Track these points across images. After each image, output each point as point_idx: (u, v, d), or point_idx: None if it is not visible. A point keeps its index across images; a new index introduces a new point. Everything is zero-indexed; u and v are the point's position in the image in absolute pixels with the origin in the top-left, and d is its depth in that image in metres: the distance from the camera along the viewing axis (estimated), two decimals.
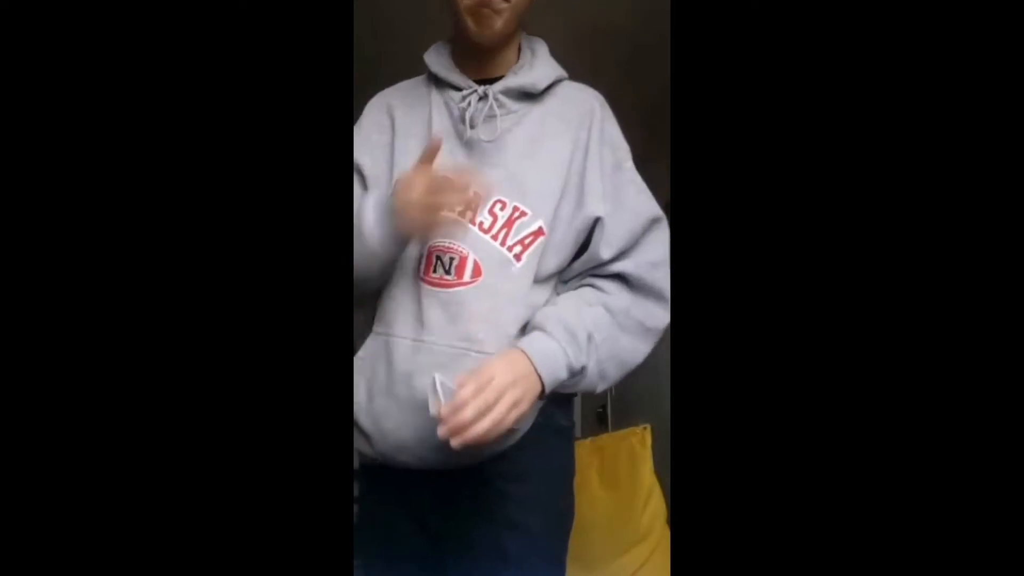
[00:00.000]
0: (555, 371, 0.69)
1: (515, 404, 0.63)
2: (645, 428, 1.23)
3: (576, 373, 0.71)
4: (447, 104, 0.78)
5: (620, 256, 0.77)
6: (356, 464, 0.75)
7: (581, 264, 0.77)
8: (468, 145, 0.76)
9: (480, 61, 0.78)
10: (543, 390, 0.68)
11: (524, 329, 0.74)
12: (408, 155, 0.74)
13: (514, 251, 0.74)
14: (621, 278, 0.78)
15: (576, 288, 0.78)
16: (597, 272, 0.77)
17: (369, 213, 0.68)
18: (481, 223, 0.74)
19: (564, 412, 0.80)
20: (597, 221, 0.75)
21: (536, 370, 0.67)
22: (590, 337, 0.72)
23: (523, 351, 0.68)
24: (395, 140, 0.77)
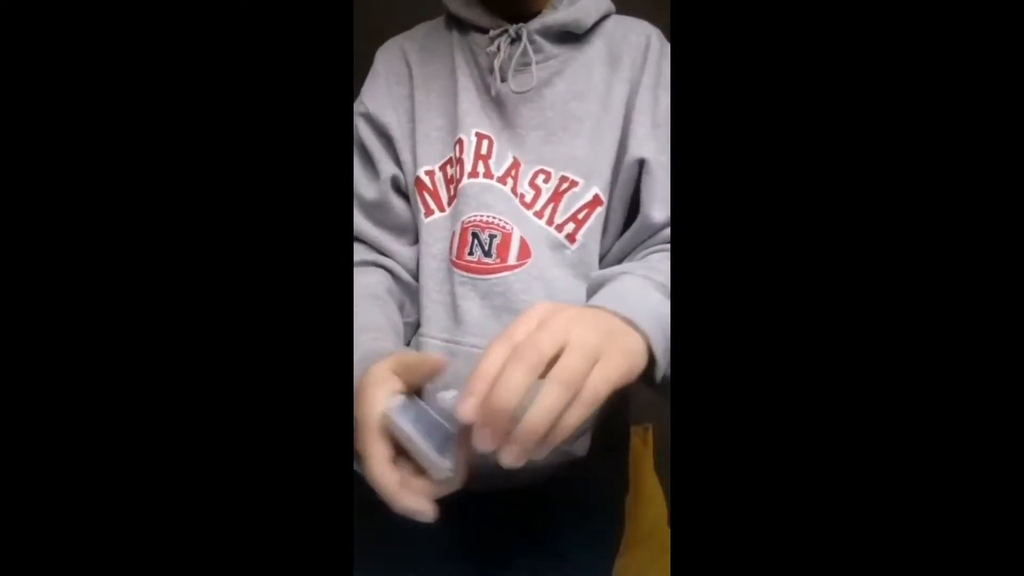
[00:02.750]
0: (653, 306, 0.43)
1: (607, 369, 0.36)
2: (647, 428, 1.22)
3: None
4: (472, 50, 0.61)
5: None
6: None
7: (633, 234, 0.57)
8: (498, 101, 0.59)
9: None
10: (651, 351, 0.41)
11: None
12: (432, 112, 0.61)
13: (566, 230, 0.57)
14: None
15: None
16: (658, 242, 0.56)
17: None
18: (522, 195, 0.57)
19: (619, 419, 0.65)
20: (643, 165, 0.56)
21: (631, 320, 0.41)
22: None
23: (599, 307, 0.42)
24: (415, 93, 0.62)
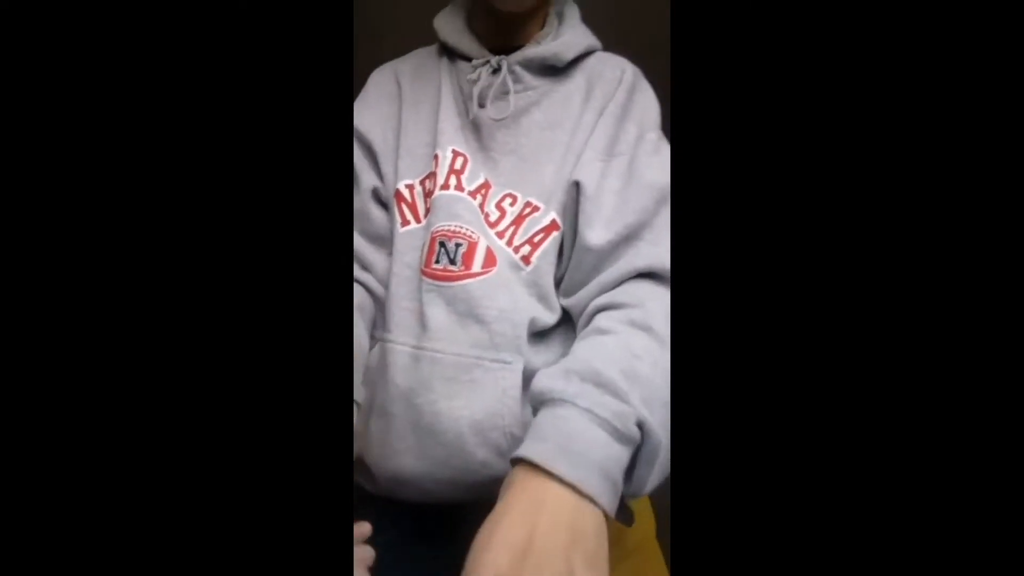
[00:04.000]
0: (599, 458, 0.40)
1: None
2: None
3: (637, 441, 0.41)
4: (458, 76, 0.64)
5: (630, 239, 0.53)
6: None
7: (575, 259, 0.57)
8: (475, 126, 0.62)
9: (499, 27, 0.63)
10: (601, 504, 0.39)
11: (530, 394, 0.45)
12: (417, 129, 0.63)
13: (521, 252, 0.58)
14: (650, 276, 0.52)
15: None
16: (602, 279, 0.55)
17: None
18: (487, 215, 0.59)
19: None
20: (578, 187, 0.56)
21: (568, 483, 0.38)
22: (629, 373, 0.43)
23: (531, 462, 0.39)
24: (402, 111, 0.64)
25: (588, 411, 0.41)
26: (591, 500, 0.39)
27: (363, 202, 0.65)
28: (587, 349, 0.48)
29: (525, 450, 0.41)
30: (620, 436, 0.41)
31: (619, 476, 0.41)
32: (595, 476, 0.39)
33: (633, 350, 0.46)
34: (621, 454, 0.41)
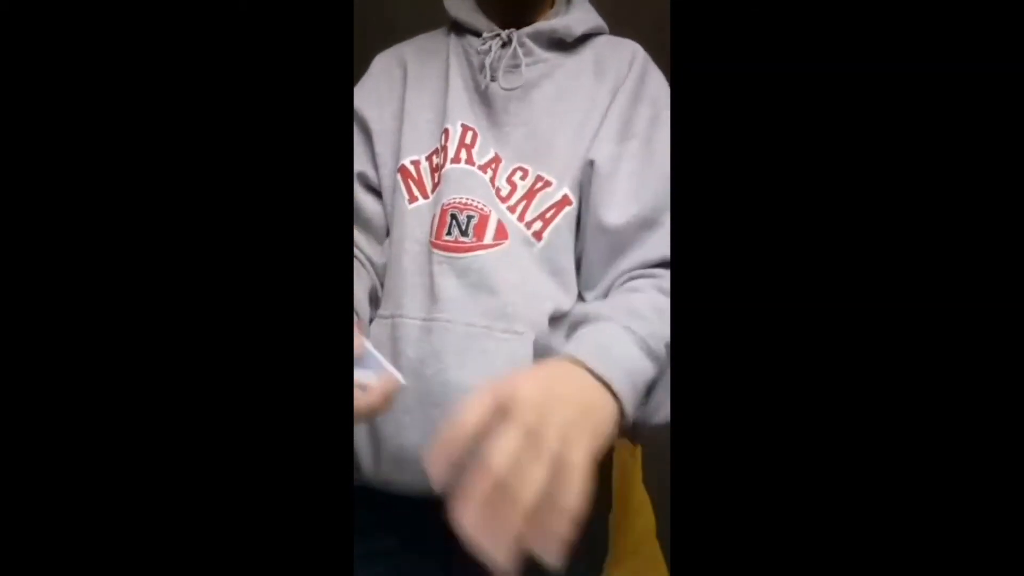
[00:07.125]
0: (630, 366, 0.44)
1: (574, 441, 0.36)
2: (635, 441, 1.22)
3: (664, 361, 0.47)
4: (466, 51, 0.64)
5: (648, 224, 0.54)
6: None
7: (589, 237, 0.58)
8: (486, 98, 0.62)
9: (508, 5, 0.64)
10: (621, 406, 0.42)
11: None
12: (422, 105, 0.63)
13: (533, 228, 0.58)
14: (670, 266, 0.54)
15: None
16: (629, 257, 0.56)
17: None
18: (499, 190, 0.59)
19: None
20: (592, 165, 0.57)
21: (598, 376, 0.42)
22: (660, 310, 0.48)
23: (569, 357, 0.44)
24: (406, 92, 0.64)
25: (625, 328, 0.46)
26: (614, 397, 0.42)
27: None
28: (618, 296, 0.53)
29: (569, 348, 0.45)
30: (650, 352, 0.46)
31: (642, 388, 0.45)
32: (623, 379, 0.43)
33: (660, 303, 0.50)
34: (647, 369, 0.46)
